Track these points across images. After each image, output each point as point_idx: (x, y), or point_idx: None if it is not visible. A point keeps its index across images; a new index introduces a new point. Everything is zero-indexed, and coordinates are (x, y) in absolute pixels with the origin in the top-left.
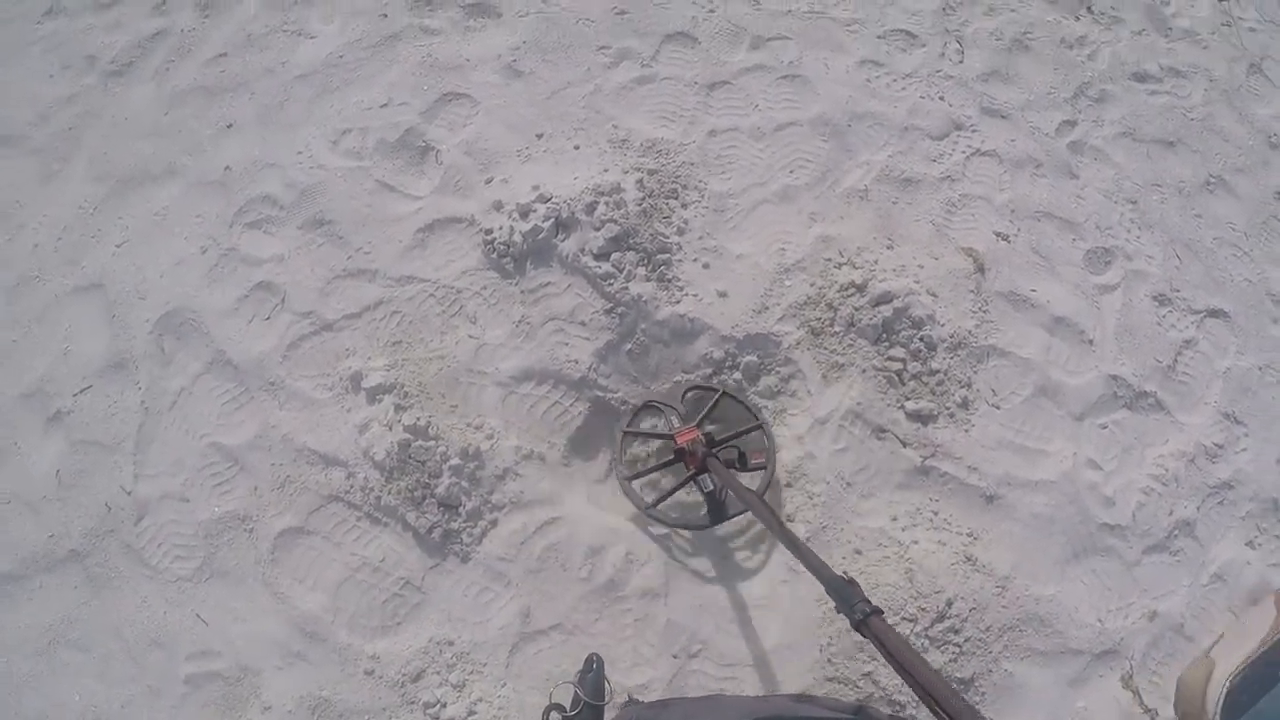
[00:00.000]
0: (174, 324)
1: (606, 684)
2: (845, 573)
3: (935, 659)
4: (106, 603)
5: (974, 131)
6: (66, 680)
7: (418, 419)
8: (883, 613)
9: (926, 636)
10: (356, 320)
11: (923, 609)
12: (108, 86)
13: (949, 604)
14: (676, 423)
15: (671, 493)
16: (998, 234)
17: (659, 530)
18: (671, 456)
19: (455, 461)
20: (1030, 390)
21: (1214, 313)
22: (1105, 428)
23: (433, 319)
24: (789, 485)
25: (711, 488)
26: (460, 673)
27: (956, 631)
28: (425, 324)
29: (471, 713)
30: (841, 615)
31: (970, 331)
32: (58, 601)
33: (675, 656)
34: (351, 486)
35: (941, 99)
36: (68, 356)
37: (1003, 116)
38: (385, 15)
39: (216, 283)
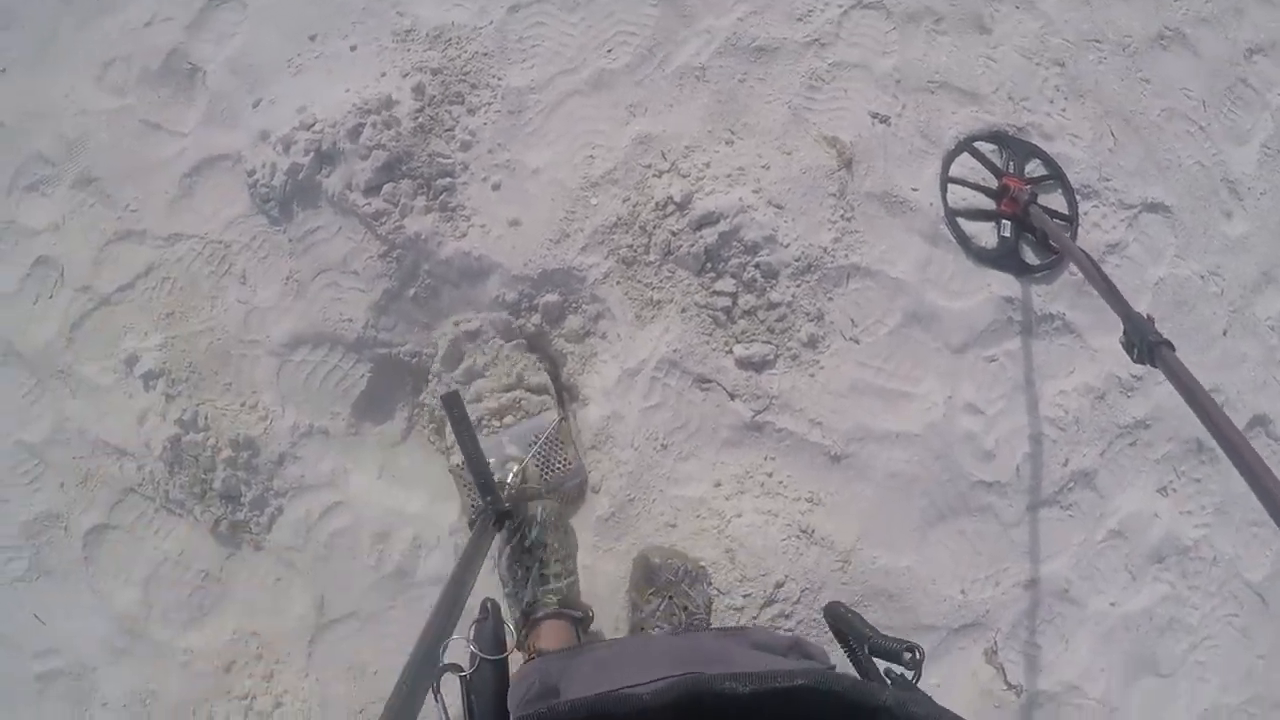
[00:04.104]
0: None
1: (507, 631)
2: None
3: None
4: None
5: None
6: None
7: (184, 411)
8: (1174, 347)
9: (755, 624)
10: (130, 291)
11: (748, 595)
12: None
13: (778, 586)
14: (1010, 168)
15: (975, 217)
16: (874, 115)
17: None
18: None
19: (227, 454)
20: (899, 319)
21: (1152, 206)
22: (993, 360)
23: (202, 282)
24: (594, 448)
25: (1009, 235)
26: (266, 663)
27: (787, 616)
28: (195, 289)
29: (278, 704)
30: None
31: (826, 249)
32: None
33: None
34: (143, 480)
35: None
36: None
37: None
38: None
39: (1, 263)
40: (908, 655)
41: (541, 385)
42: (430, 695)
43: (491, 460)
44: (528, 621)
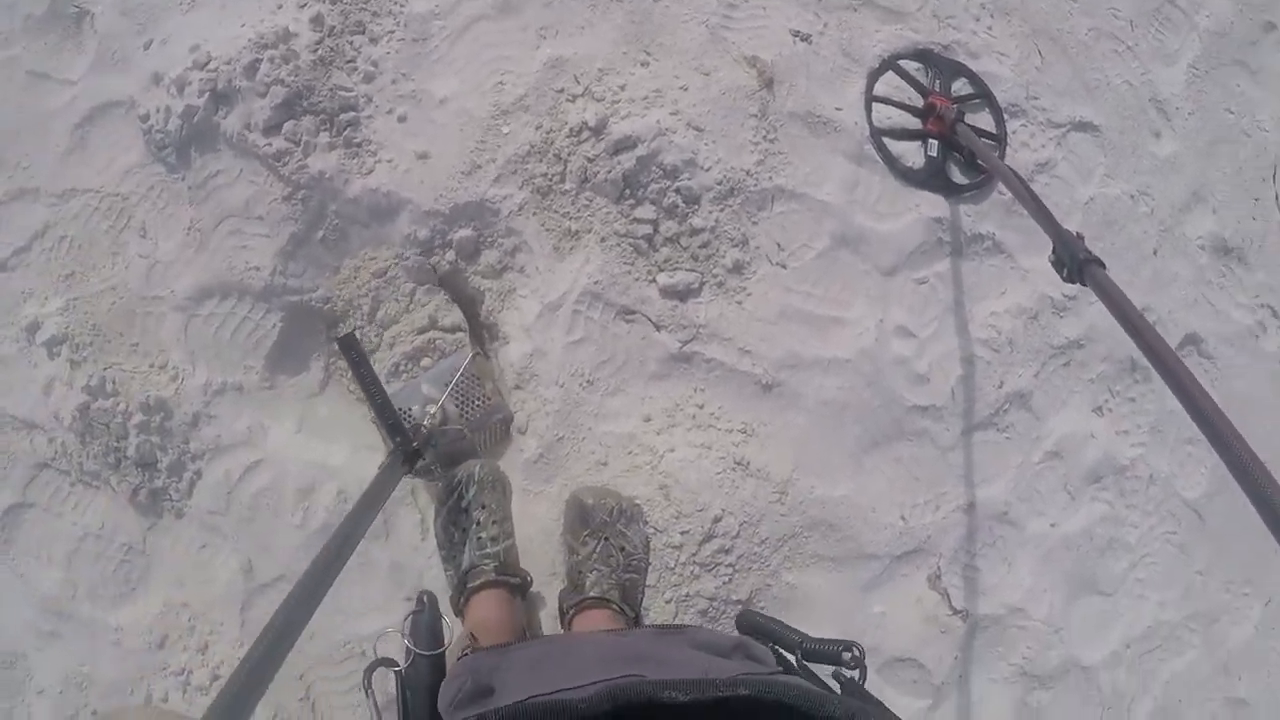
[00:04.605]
0: None
1: (444, 625)
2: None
3: (707, 585)
4: None
5: None
6: None
7: (90, 377)
8: (1104, 265)
9: (695, 563)
10: (27, 254)
11: (685, 532)
12: None
13: (715, 521)
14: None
15: (901, 137)
16: (795, 33)
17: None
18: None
19: (139, 418)
20: (827, 242)
21: (1080, 125)
22: (924, 282)
23: (101, 239)
24: (518, 388)
25: (936, 155)
26: (200, 635)
27: (727, 551)
28: (95, 246)
29: (215, 677)
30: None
31: (749, 171)
32: None
33: (407, 599)
34: (55, 453)
35: None
36: None
37: None
38: None
39: None
40: (847, 655)
41: (455, 324)
42: (362, 691)
43: (414, 408)
44: (465, 589)
